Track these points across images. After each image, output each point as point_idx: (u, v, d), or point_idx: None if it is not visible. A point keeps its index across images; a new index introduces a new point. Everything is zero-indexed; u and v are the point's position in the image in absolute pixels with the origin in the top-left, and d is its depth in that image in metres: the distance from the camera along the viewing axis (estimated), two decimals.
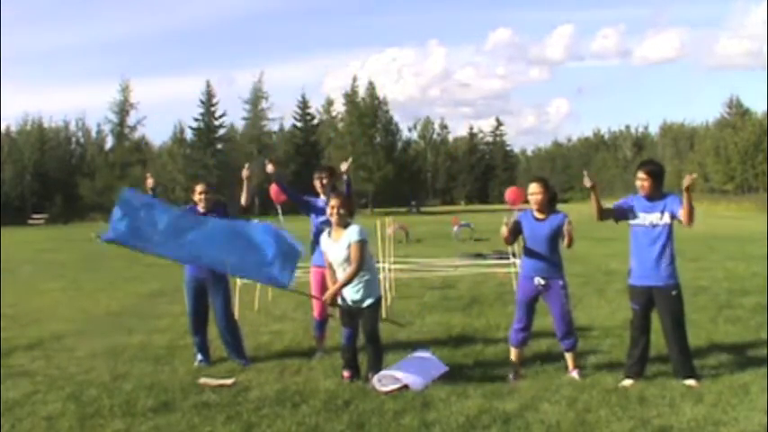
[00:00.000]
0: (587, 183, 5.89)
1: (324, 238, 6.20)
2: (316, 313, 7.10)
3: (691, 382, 5.70)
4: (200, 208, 6.95)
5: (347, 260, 5.95)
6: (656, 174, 5.91)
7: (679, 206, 5.73)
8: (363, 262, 5.94)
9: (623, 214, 6.02)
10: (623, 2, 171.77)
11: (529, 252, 6.10)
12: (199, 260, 6.52)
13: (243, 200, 7.06)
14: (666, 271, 5.81)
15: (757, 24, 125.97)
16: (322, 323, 7.12)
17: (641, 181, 5.91)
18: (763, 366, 6.08)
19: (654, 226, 5.83)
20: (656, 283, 5.83)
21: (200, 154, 71.14)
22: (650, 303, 5.90)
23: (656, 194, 5.88)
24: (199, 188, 7.00)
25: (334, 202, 6.05)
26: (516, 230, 6.16)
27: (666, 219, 5.82)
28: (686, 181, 5.59)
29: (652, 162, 6.26)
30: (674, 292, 5.82)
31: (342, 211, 6.00)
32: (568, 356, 6.11)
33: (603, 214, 6.07)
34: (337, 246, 6.01)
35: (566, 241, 5.84)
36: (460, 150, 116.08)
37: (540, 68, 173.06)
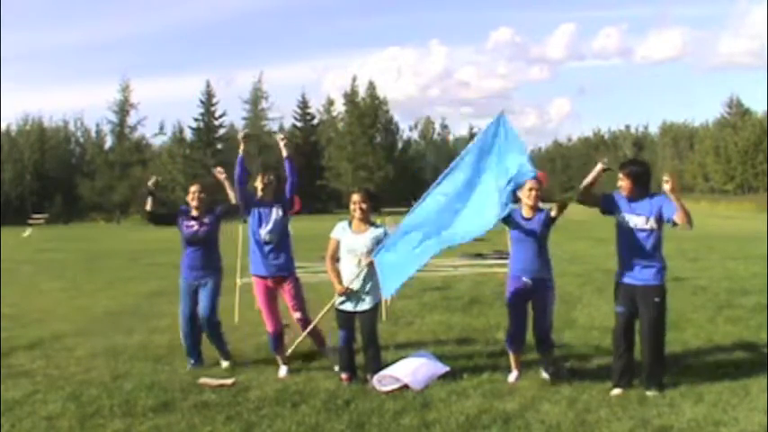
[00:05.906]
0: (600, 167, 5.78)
1: (342, 227, 6.27)
2: (268, 327, 6.60)
3: (653, 392, 5.50)
4: (194, 209, 6.83)
5: (370, 252, 6.10)
6: (638, 175, 5.71)
7: (673, 211, 5.48)
8: None
9: (608, 207, 5.82)
10: (625, 1, 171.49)
11: (517, 252, 6.02)
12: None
13: (233, 198, 6.87)
14: (651, 273, 5.63)
15: (758, 24, 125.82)
16: (277, 336, 6.62)
17: (620, 181, 5.74)
18: (763, 366, 6.08)
19: (640, 230, 5.63)
20: (641, 283, 5.64)
21: (200, 154, 71.02)
22: (635, 308, 5.67)
23: (640, 196, 5.68)
24: (193, 188, 6.90)
25: (356, 197, 6.23)
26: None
27: (653, 224, 5.62)
28: (666, 186, 5.35)
29: (634, 162, 6.08)
30: (656, 299, 5.62)
31: (365, 206, 6.21)
32: (544, 357, 5.98)
33: (588, 197, 5.82)
34: (362, 237, 6.17)
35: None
36: (461, 150, 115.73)
37: (540, 68, 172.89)
